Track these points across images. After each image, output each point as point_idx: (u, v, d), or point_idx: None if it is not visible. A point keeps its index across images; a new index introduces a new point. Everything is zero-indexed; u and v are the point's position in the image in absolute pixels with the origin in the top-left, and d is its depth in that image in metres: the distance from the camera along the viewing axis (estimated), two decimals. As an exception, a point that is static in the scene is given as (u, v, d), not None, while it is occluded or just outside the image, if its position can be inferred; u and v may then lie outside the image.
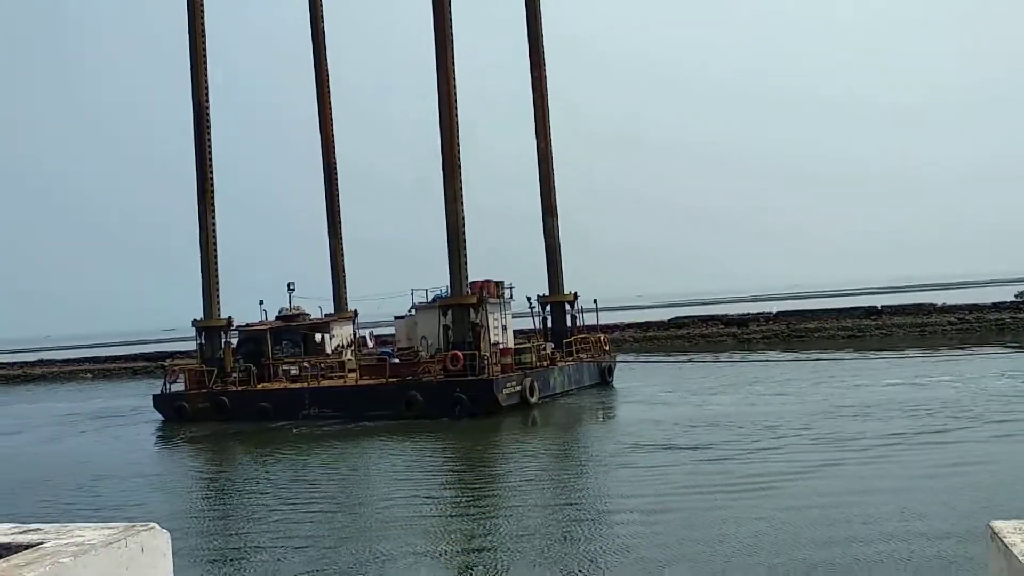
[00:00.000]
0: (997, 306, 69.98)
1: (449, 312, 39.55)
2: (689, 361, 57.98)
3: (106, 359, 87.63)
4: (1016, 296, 72.50)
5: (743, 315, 79.99)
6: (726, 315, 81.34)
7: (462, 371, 37.55)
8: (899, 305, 75.37)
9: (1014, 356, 47.59)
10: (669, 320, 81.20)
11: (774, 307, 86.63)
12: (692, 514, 17.99)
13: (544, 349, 42.35)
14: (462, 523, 19.44)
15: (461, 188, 39.88)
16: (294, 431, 36.75)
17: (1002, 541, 2.89)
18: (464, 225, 39.73)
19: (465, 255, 39.56)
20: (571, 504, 20.29)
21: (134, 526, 3.23)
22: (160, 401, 43.51)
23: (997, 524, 3.04)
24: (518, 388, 38.11)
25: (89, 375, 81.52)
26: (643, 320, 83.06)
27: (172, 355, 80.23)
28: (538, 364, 40.62)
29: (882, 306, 75.52)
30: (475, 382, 37.18)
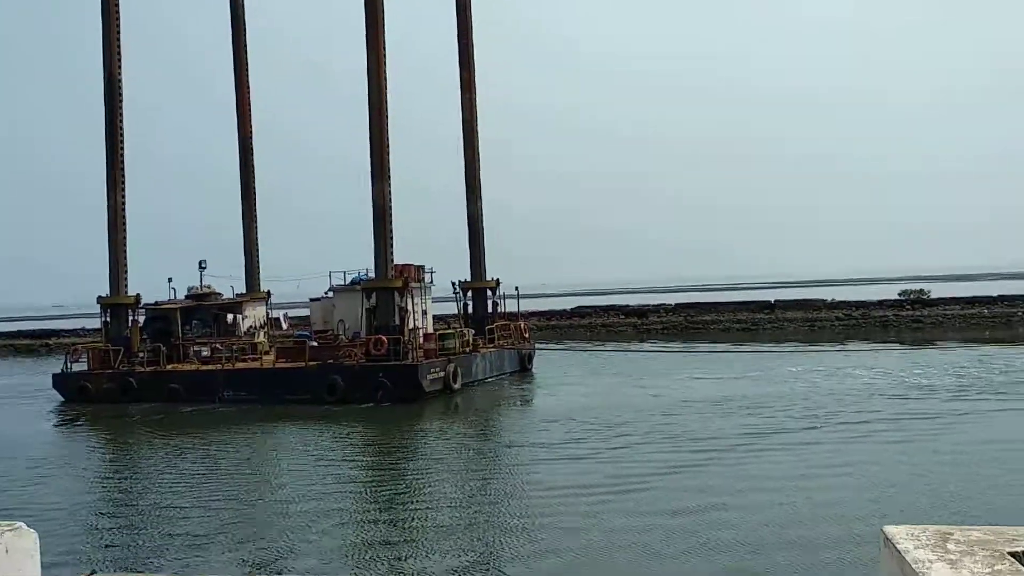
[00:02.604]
0: (882, 303, 73.28)
1: (373, 295, 38.77)
2: (584, 350, 58.67)
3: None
4: (899, 295, 76.23)
5: (643, 306, 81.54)
6: (627, 306, 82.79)
7: (385, 356, 36.90)
8: (791, 300, 78.16)
9: (879, 353, 49.56)
10: (571, 309, 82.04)
11: (673, 299, 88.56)
12: (597, 511, 17.55)
13: (465, 335, 42.05)
14: (376, 517, 18.66)
15: (389, 168, 39.10)
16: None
17: (895, 547, 2.93)
18: (391, 206, 38.99)
19: (391, 237, 38.85)
20: (481, 500, 19.52)
21: None
22: (61, 381, 41.29)
23: (890, 529, 3.08)
24: (442, 374, 37.70)
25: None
26: (546, 309, 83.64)
27: (58, 333, 76.66)
28: (461, 350, 40.31)
29: (775, 301, 78.17)
30: (399, 367, 36.56)
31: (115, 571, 14.54)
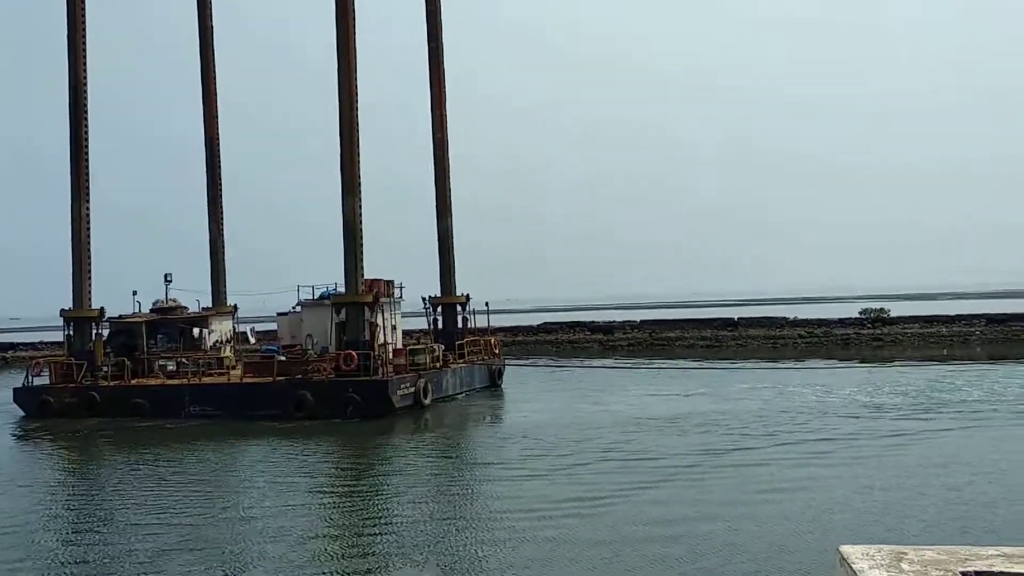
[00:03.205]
0: (842, 322, 74.20)
1: (343, 310, 38.49)
2: (553, 366, 58.77)
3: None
4: (860, 313, 77.32)
5: (609, 322, 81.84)
6: (593, 322, 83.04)
7: (355, 371, 36.60)
8: (754, 318, 78.87)
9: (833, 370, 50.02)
10: (538, 325, 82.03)
11: (639, 315, 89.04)
12: (557, 534, 17.27)
13: (435, 351, 41.88)
14: (345, 537, 18.30)
15: (359, 183, 38.92)
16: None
17: (851, 567, 3.00)
18: (361, 221, 38.79)
19: (361, 251, 38.63)
20: (451, 519, 19.21)
21: None
22: (22, 395, 40.42)
23: (846, 549, 3.15)
24: (412, 389, 37.48)
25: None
26: (512, 325, 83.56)
27: (15, 346, 75.09)
28: (431, 366, 40.13)
29: (738, 318, 78.79)
30: (369, 383, 36.28)
31: None
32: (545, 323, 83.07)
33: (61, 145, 42.72)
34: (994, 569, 2.98)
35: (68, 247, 42.00)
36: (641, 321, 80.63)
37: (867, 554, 3.06)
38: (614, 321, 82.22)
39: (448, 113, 47.67)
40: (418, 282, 47.59)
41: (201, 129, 49.85)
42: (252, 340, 48.68)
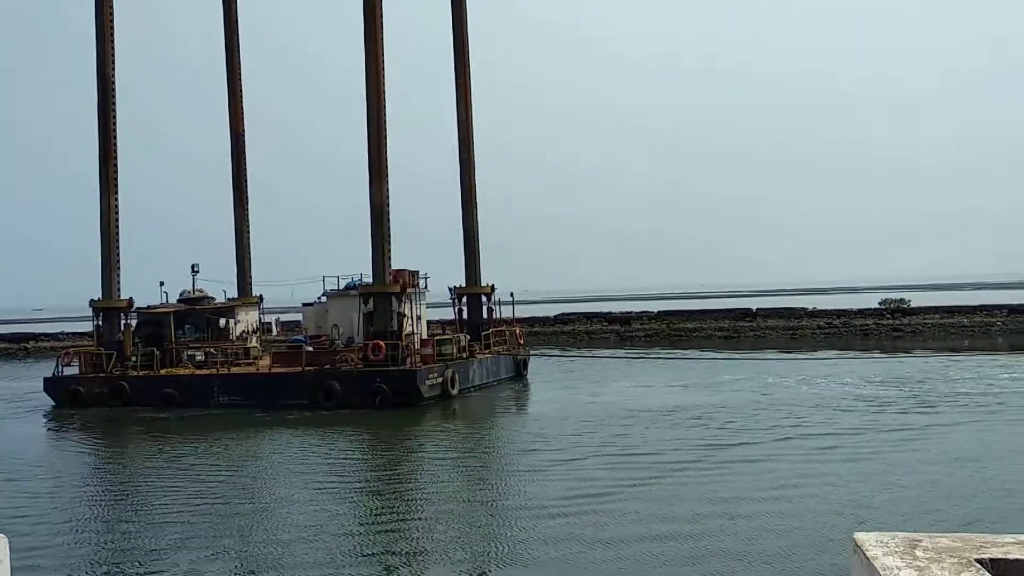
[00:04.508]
0: (862, 312, 73.94)
1: (371, 300, 38.58)
2: (577, 356, 58.82)
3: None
4: (880, 303, 77.02)
5: (626, 313, 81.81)
6: (610, 313, 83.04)
7: (383, 361, 36.70)
8: (772, 308, 78.65)
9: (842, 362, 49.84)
10: (555, 316, 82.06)
11: (656, 306, 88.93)
12: (580, 524, 17.25)
13: (461, 341, 41.96)
14: (371, 530, 18.23)
15: (387, 170, 38.95)
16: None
17: (864, 554, 3.01)
18: (389, 209, 38.87)
19: (389, 241, 38.71)
20: (482, 509, 19.24)
21: None
22: (52, 385, 40.67)
23: (860, 536, 3.15)
24: (440, 380, 37.59)
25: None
26: (529, 316, 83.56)
27: (37, 336, 75.54)
28: (458, 356, 40.21)
29: (757, 309, 78.61)
30: (397, 373, 36.38)
31: None
32: (562, 314, 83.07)
33: (87, 140, 42.93)
34: (1009, 556, 2.99)
35: (90, 240, 42.40)
36: (659, 312, 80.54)
37: (881, 541, 3.07)
38: (631, 312, 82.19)
39: (472, 102, 47.66)
40: (441, 272, 47.76)
41: (226, 127, 49.97)
42: (275, 331, 48.85)
